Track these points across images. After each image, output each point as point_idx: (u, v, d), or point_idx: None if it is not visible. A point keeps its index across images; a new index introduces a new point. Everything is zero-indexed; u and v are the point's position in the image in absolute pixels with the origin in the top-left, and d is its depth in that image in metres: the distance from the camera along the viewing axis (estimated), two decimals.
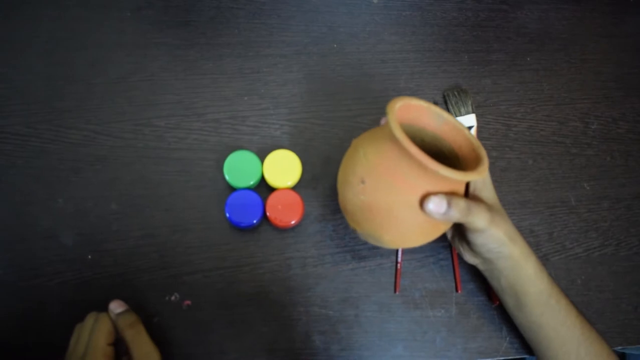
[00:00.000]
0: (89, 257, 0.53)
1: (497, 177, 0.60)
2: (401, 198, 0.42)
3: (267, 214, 0.53)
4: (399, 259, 0.55)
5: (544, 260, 0.57)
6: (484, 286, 0.56)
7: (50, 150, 0.56)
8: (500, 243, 0.46)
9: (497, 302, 0.54)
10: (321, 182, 0.57)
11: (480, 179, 0.46)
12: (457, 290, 0.56)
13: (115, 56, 0.60)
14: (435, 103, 0.62)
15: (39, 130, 0.56)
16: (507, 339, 0.54)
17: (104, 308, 0.48)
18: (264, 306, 0.53)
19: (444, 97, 0.62)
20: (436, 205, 0.43)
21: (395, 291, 0.55)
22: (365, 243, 0.56)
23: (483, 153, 0.45)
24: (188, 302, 0.52)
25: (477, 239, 0.47)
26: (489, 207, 0.46)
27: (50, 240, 0.53)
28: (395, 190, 0.42)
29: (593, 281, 0.57)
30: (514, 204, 0.59)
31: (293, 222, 0.53)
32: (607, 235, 0.59)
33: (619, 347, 0.57)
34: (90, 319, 0.47)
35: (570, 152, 0.62)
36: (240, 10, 0.63)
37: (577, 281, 0.57)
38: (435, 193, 0.42)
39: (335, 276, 0.55)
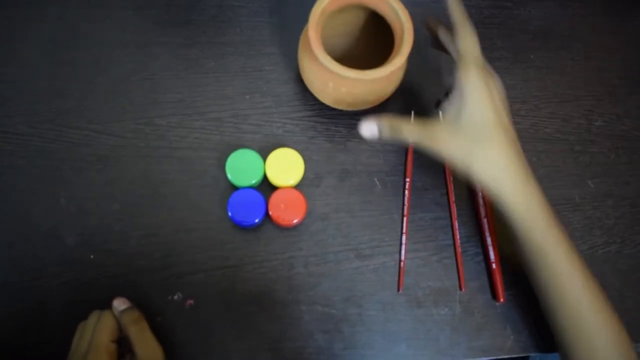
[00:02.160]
0: (91, 257, 0.53)
1: None
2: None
3: (270, 213, 0.53)
4: (402, 258, 0.55)
5: None
6: (488, 284, 0.56)
7: (52, 149, 0.56)
8: (462, 164, 0.45)
9: (502, 300, 0.54)
10: (324, 181, 0.57)
11: (462, 92, 0.45)
12: (460, 289, 0.55)
13: (117, 55, 0.60)
14: (438, 101, 0.61)
15: (41, 129, 0.56)
16: (512, 337, 0.54)
17: (106, 307, 0.48)
18: (267, 305, 0.53)
19: (446, 94, 0.62)
20: (365, 129, 0.48)
21: (398, 290, 0.55)
22: (369, 241, 0.56)
23: (408, 35, 0.49)
24: (191, 301, 0.52)
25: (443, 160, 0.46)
26: (433, 125, 0.45)
27: (52, 240, 0.53)
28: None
29: (597, 279, 0.57)
30: None
31: (295, 221, 0.53)
32: (612, 233, 0.59)
33: None
34: (93, 316, 0.47)
35: (574, 149, 0.62)
36: (242, 8, 0.63)
37: None
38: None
39: (338, 275, 0.54)
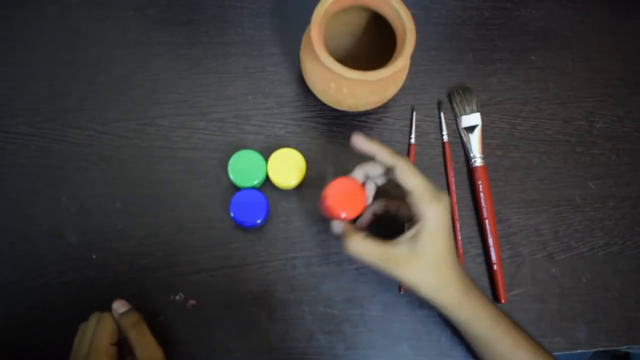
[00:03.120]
0: (93, 256, 0.53)
1: (502, 176, 0.60)
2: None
3: (326, 203, 0.49)
4: None
5: (549, 259, 0.57)
6: (488, 286, 0.56)
7: (54, 149, 0.55)
8: (412, 288, 0.47)
9: (503, 301, 0.54)
10: (326, 181, 0.57)
11: (426, 227, 0.45)
12: None
13: (119, 55, 0.59)
14: (440, 102, 0.61)
15: (43, 129, 0.56)
16: None
17: (108, 307, 0.48)
18: (269, 305, 0.53)
19: (448, 95, 0.62)
20: (335, 227, 0.49)
21: (400, 290, 0.55)
22: None
23: (410, 36, 0.49)
24: (193, 301, 0.52)
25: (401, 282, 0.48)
26: (397, 250, 0.46)
27: (54, 239, 0.53)
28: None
29: (598, 280, 0.57)
30: (519, 203, 0.59)
31: (351, 214, 0.49)
32: (613, 234, 0.59)
33: (624, 347, 0.57)
34: (93, 318, 0.47)
35: (575, 150, 0.62)
36: (245, 9, 0.63)
37: (583, 280, 0.57)
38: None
39: (340, 275, 0.55)
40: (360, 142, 0.48)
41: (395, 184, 0.48)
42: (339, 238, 0.48)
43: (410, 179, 0.46)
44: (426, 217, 0.45)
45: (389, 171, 0.48)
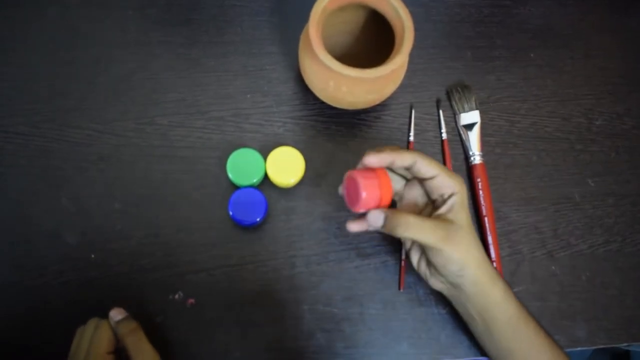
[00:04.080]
0: (93, 256, 0.53)
1: (502, 174, 0.60)
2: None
3: (364, 194, 0.45)
4: (404, 256, 0.55)
5: (549, 257, 0.57)
6: None
7: (54, 149, 0.56)
8: (461, 266, 0.45)
9: None
10: (325, 180, 0.57)
11: (459, 198, 0.46)
12: None
13: (118, 55, 0.60)
14: (439, 100, 0.62)
15: (42, 129, 0.56)
16: None
17: (108, 308, 0.48)
18: (268, 304, 0.53)
19: (447, 93, 0.62)
20: (373, 218, 0.46)
21: (399, 288, 0.55)
22: (370, 240, 0.56)
23: (408, 33, 0.49)
24: (192, 300, 0.52)
25: (437, 260, 0.46)
26: (446, 225, 0.45)
27: (53, 239, 0.53)
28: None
29: (598, 277, 0.57)
30: (519, 201, 0.59)
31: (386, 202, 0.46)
32: (612, 232, 0.59)
33: (624, 344, 0.57)
34: (91, 324, 0.46)
35: (574, 148, 0.62)
36: (244, 8, 0.63)
37: (582, 278, 0.57)
38: None
39: (340, 274, 0.55)
40: (373, 160, 0.46)
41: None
42: (381, 227, 0.46)
43: (433, 164, 0.46)
44: (457, 190, 0.46)
45: (407, 169, 0.48)
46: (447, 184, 0.46)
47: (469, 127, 0.60)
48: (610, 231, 0.59)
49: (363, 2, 0.51)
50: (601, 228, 0.59)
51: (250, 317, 0.52)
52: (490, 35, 0.66)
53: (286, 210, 0.56)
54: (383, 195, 0.46)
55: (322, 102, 0.58)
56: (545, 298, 0.56)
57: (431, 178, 0.47)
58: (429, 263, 0.48)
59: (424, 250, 0.48)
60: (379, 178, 0.46)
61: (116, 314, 0.47)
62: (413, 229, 0.45)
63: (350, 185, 0.47)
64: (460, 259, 0.45)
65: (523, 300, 0.53)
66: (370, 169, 0.46)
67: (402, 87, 0.57)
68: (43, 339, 0.50)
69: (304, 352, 0.52)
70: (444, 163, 0.59)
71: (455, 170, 0.59)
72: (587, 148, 0.62)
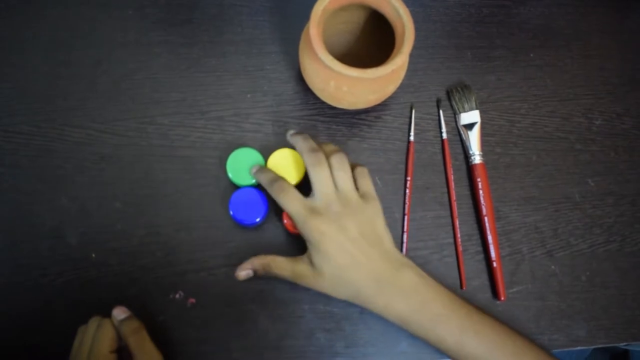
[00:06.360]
0: (94, 256, 0.53)
1: (502, 174, 0.60)
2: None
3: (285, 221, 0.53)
4: None
5: (549, 256, 0.57)
6: (487, 283, 0.56)
7: (54, 149, 0.56)
8: (346, 296, 0.49)
9: (502, 299, 0.54)
10: None
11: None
12: (461, 287, 0.56)
13: (119, 54, 0.60)
14: (439, 100, 0.62)
15: (43, 129, 0.56)
16: None
17: (108, 307, 0.48)
18: (269, 303, 0.53)
19: (447, 93, 0.62)
20: (242, 274, 0.51)
21: None
22: None
23: (409, 33, 0.49)
24: (192, 300, 0.52)
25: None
26: (306, 273, 0.49)
27: (54, 239, 0.53)
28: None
29: (598, 277, 0.57)
30: (519, 201, 0.59)
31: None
32: (612, 231, 0.59)
33: (624, 344, 0.57)
34: (93, 323, 0.46)
35: (574, 148, 0.62)
36: (244, 7, 0.63)
37: (582, 277, 0.57)
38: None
39: None
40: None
41: None
42: (256, 272, 0.51)
43: (286, 207, 0.50)
44: (309, 241, 0.49)
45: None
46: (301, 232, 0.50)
47: (469, 127, 0.60)
48: (610, 231, 0.59)
49: (364, 2, 0.51)
50: (601, 228, 0.59)
51: (250, 316, 0.53)
52: (490, 35, 0.66)
53: None
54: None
55: (323, 102, 0.58)
56: (545, 297, 0.56)
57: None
58: None
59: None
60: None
61: (119, 313, 0.47)
62: (277, 269, 0.50)
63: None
64: (326, 294, 0.49)
65: (523, 300, 0.54)
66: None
67: (403, 87, 0.57)
68: (44, 339, 0.51)
69: (304, 352, 0.52)
70: (444, 163, 0.59)
71: (455, 170, 0.59)
72: (586, 148, 0.62)
